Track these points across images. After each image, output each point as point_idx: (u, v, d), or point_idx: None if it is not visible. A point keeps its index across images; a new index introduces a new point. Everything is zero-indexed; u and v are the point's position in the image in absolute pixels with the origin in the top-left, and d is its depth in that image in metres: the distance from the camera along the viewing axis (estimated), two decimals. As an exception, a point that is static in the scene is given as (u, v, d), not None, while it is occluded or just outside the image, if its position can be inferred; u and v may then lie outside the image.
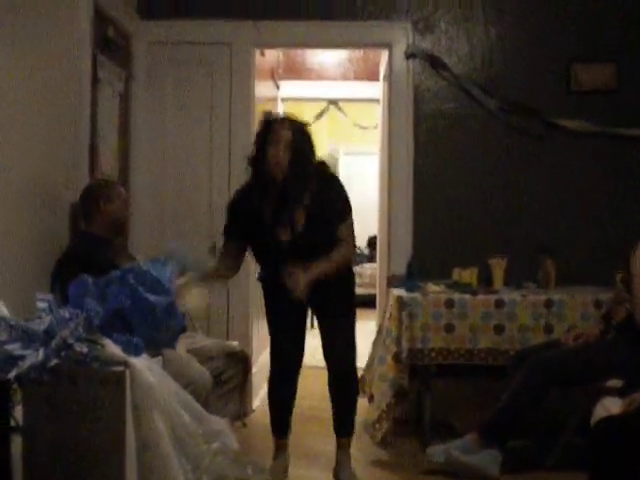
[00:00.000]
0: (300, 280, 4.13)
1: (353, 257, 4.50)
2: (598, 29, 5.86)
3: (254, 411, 5.90)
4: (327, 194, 4.28)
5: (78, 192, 4.55)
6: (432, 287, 5.28)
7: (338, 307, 4.41)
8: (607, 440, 3.16)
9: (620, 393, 3.85)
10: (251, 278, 5.88)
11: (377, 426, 5.04)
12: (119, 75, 5.52)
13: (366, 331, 7.18)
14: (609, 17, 5.87)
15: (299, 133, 4.22)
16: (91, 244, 4.37)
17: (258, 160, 4.24)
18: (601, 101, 5.86)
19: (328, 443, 4.66)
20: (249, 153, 4.32)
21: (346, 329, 4.43)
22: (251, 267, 5.87)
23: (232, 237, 4.40)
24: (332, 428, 4.54)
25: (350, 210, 4.35)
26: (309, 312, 4.76)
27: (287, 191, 4.17)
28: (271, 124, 4.24)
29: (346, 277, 4.44)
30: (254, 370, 5.67)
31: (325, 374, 4.48)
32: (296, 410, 4.62)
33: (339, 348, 4.41)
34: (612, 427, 3.21)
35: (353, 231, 4.37)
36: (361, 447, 5.05)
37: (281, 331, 4.49)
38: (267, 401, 4.67)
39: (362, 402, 4.82)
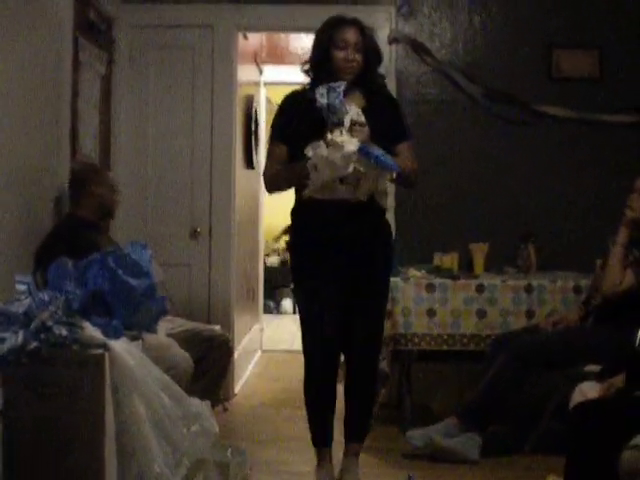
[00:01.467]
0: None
1: (415, 181, 4.10)
2: (581, 14, 5.86)
3: (236, 395, 5.91)
4: (386, 102, 4.07)
5: (59, 175, 4.54)
6: (413, 272, 5.28)
7: (376, 285, 3.94)
8: (584, 425, 3.17)
9: (598, 377, 3.87)
10: (232, 261, 5.88)
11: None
12: (101, 58, 5.49)
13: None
14: (592, 2, 5.88)
15: (368, 34, 3.99)
16: (76, 226, 4.39)
17: (322, 62, 3.96)
18: (583, 87, 5.86)
19: (301, 428, 4.56)
20: (306, 59, 4.09)
21: (379, 314, 4.02)
22: (232, 251, 5.90)
23: (283, 139, 3.95)
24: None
25: (410, 131, 4.08)
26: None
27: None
28: (337, 24, 3.93)
29: (389, 249, 4.02)
30: (235, 354, 5.67)
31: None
32: (269, 394, 4.40)
33: (367, 338, 3.95)
34: (589, 412, 3.23)
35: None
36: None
37: (320, 314, 3.85)
38: (305, 406, 4.07)
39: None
